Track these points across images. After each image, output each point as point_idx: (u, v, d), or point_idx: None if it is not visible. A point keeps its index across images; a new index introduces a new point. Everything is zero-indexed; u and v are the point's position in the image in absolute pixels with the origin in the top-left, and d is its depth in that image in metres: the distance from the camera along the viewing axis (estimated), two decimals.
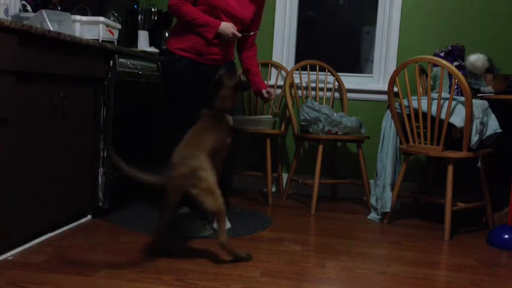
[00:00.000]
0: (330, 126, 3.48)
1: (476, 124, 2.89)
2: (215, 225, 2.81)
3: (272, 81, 4.05)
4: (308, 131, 3.55)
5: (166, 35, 3.79)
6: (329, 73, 3.96)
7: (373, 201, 3.32)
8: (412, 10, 3.89)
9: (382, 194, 3.23)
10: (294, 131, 3.76)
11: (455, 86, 3.05)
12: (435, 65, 3.18)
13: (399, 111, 3.14)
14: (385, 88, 3.77)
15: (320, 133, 3.48)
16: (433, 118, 2.96)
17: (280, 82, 3.98)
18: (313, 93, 3.95)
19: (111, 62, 2.90)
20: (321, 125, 3.47)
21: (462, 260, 2.55)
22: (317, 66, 3.94)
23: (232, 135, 2.66)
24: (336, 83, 3.95)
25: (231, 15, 2.82)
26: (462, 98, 2.92)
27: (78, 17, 2.88)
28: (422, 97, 3.06)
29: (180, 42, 2.82)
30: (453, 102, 2.94)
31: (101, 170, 2.92)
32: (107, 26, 2.99)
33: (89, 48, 2.71)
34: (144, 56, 3.32)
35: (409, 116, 3.08)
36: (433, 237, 2.92)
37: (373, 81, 4.03)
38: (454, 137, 2.97)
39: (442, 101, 2.93)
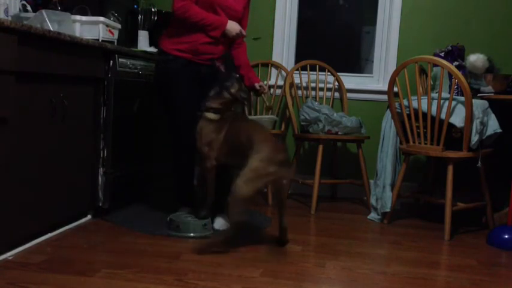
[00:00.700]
0: (330, 126, 3.48)
1: (476, 124, 2.89)
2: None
3: (272, 81, 4.05)
4: (308, 131, 3.55)
5: None
6: (329, 73, 3.96)
7: (373, 201, 3.32)
8: (412, 10, 3.89)
9: (382, 194, 3.23)
10: (294, 131, 3.76)
11: (455, 86, 3.05)
12: (435, 65, 3.18)
13: (399, 111, 3.14)
14: (385, 88, 3.76)
15: (320, 133, 3.48)
16: (433, 118, 2.96)
17: (280, 82, 3.98)
18: (313, 93, 3.95)
19: (111, 62, 2.90)
20: (321, 125, 3.47)
21: (462, 260, 2.55)
22: (317, 66, 3.94)
23: None
24: (336, 83, 3.95)
25: (226, 7, 2.83)
26: (462, 98, 2.92)
27: (78, 17, 2.88)
28: (422, 97, 3.06)
29: (177, 43, 2.81)
30: (453, 102, 2.94)
31: (101, 170, 2.92)
32: (107, 26, 2.99)
33: (89, 48, 2.71)
34: (144, 56, 3.32)
35: (409, 116, 3.08)
36: (433, 237, 2.92)
37: (373, 81, 4.03)
38: (454, 137, 2.97)
39: (442, 101, 2.93)
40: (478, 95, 3.20)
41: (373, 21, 4.05)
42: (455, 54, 3.49)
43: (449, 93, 2.95)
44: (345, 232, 2.97)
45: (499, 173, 3.24)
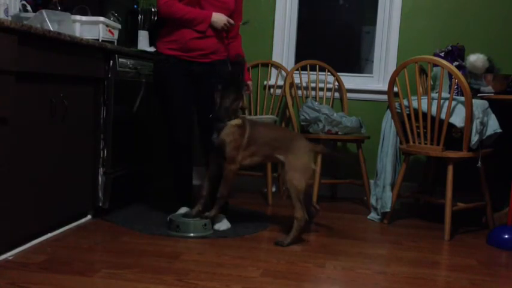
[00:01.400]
0: (330, 126, 3.48)
1: (476, 124, 2.89)
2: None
3: (272, 81, 4.05)
4: (308, 131, 3.55)
5: None
6: (329, 73, 3.96)
7: (373, 201, 3.32)
8: (412, 10, 3.89)
9: (382, 194, 3.23)
10: (294, 131, 3.76)
11: (455, 86, 3.05)
12: (435, 65, 3.18)
13: (399, 111, 3.14)
14: (385, 88, 3.76)
15: (320, 133, 3.48)
16: (433, 118, 2.96)
17: (280, 82, 3.98)
18: (313, 93, 3.95)
19: (111, 62, 2.90)
20: (321, 125, 3.47)
21: (462, 260, 2.55)
22: (317, 66, 3.94)
23: None
24: (336, 83, 3.95)
25: (215, 1, 2.80)
26: (462, 98, 2.92)
27: (78, 17, 2.88)
28: (422, 97, 3.06)
29: (167, 42, 2.83)
30: (453, 102, 2.94)
31: (101, 170, 2.92)
32: (107, 26, 2.99)
33: (89, 48, 2.71)
34: (144, 56, 3.32)
35: (409, 116, 3.08)
36: (433, 237, 2.92)
37: (373, 81, 4.03)
38: (454, 137, 2.97)
39: (442, 101, 2.93)
40: (478, 95, 3.20)
41: (373, 21, 4.05)
42: (455, 54, 3.49)
43: (449, 93, 2.95)
44: (345, 232, 2.97)
45: (499, 173, 3.24)
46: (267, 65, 4.05)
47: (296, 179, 2.61)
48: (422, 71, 3.61)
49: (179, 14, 2.75)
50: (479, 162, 2.94)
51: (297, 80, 3.91)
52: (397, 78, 3.10)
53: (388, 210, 3.18)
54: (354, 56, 4.61)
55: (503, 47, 3.78)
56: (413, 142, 3.08)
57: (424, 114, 2.99)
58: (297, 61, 4.07)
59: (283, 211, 3.37)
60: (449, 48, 3.52)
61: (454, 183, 2.92)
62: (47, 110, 2.42)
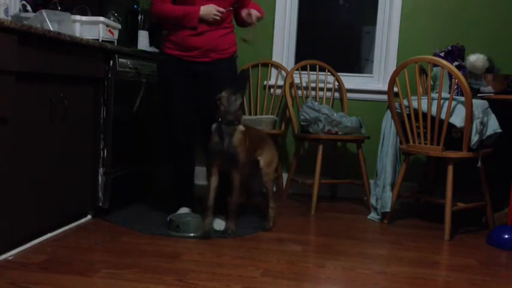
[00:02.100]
0: (330, 126, 3.48)
1: (476, 124, 2.89)
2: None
3: (272, 81, 4.05)
4: (308, 131, 3.55)
5: None
6: (329, 73, 3.96)
7: (373, 201, 3.32)
8: (412, 10, 3.89)
9: (382, 194, 3.23)
10: (294, 131, 3.76)
11: (455, 86, 3.05)
12: (435, 65, 3.18)
13: (399, 111, 3.14)
14: (385, 88, 3.77)
15: (320, 133, 3.48)
16: (433, 118, 2.96)
17: (280, 82, 3.98)
18: (313, 93, 3.95)
19: (111, 62, 2.90)
20: (321, 125, 3.47)
21: (462, 260, 2.55)
22: (317, 66, 3.94)
23: None
24: (336, 83, 3.96)
25: None
26: (462, 98, 2.92)
27: (78, 17, 2.88)
28: (422, 97, 3.06)
29: (168, 40, 2.84)
30: (453, 102, 2.94)
31: (101, 170, 2.92)
32: (107, 26, 2.99)
33: (89, 48, 2.71)
34: (144, 56, 3.32)
35: (409, 116, 3.08)
36: (433, 237, 2.92)
37: (373, 81, 4.03)
38: (454, 137, 2.97)
39: (442, 101, 2.93)
40: (478, 95, 3.20)
41: (373, 21, 4.05)
42: (455, 54, 3.49)
43: (449, 93, 2.95)
44: (345, 232, 2.97)
45: (499, 173, 3.24)
46: (267, 65, 4.05)
47: (271, 174, 2.95)
48: (422, 71, 3.61)
49: (169, 14, 2.75)
50: (479, 162, 2.94)
51: (297, 80, 3.91)
52: (397, 78, 3.10)
53: (388, 210, 3.18)
54: (354, 56, 4.61)
55: (503, 47, 3.78)
56: (413, 142, 3.08)
57: (424, 114, 2.99)
58: (297, 61, 4.07)
59: (284, 211, 3.37)
60: (449, 48, 3.52)
61: (454, 183, 2.92)
62: (47, 110, 2.42)
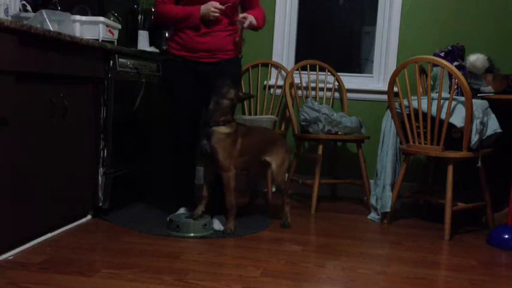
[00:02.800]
0: (330, 126, 3.48)
1: (476, 124, 2.89)
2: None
3: (272, 81, 4.05)
4: (308, 131, 3.55)
5: (167, 35, 3.79)
6: (329, 73, 3.96)
7: (373, 201, 3.32)
8: (412, 10, 3.89)
9: (382, 194, 3.23)
10: (294, 131, 3.76)
11: (455, 86, 3.05)
12: (435, 65, 3.18)
13: (399, 111, 3.14)
14: (385, 88, 3.77)
15: (320, 133, 3.48)
16: (433, 118, 2.96)
17: (280, 82, 3.98)
18: (313, 93, 3.95)
19: (111, 62, 2.90)
20: (321, 125, 3.47)
21: (462, 260, 2.55)
22: (317, 66, 3.94)
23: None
24: (336, 83, 3.96)
25: None
26: (462, 98, 2.92)
27: (78, 17, 2.88)
28: (422, 97, 3.06)
29: (174, 41, 2.84)
30: (453, 102, 2.94)
31: (101, 170, 2.92)
32: (107, 26, 2.99)
33: (89, 48, 2.71)
34: (144, 56, 3.33)
35: (409, 116, 3.08)
36: (433, 237, 2.92)
37: (373, 81, 4.03)
38: (454, 137, 2.97)
39: (442, 101, 2.93)
40: (478, 95, 3.20)
41: (373, 21, 4.05)
42: (455, 54, 3.49)
43: (449, 93, 2.95)
44: (345, 232, 2.97)
45: (499, 173, 3.24)
46: (267, 65, 4.05)
47: (283, 174, 3.00)
48: (422, 71, 3.61)
49: (172, 14, 2.75)
50: (479, 162, 2.94)
51: (297, 80, 3.91)
52: (397, 78, 3.10)
53: (388, 210, 3.18)
54: (354, 56, 4.61)
55: (503, 47, 3.78)
56: (413, 142, 3.08)
57: (424, 114, 2.99)
58: (297, 61, 4.07)
59: None
60: (449, 48, 3.52)
61: (454, 183, 2.92)
62: (47, 110, 2.42)
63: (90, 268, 2.17)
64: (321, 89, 3.96)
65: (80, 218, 2.87)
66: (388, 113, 3.27)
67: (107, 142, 2.92)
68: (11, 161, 2.19)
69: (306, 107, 3.57)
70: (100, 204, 2.95)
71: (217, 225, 2.82)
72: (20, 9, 2.96)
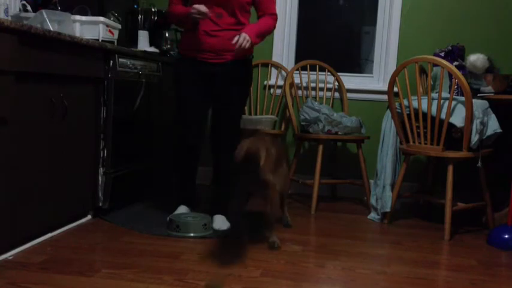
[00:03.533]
0: (330, 126, 3.48)
1: (476, 124, 2.89)
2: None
3: (272, 81, 4.05)
4: (308, 131, 3.55)
5: (167, 35, 3.79)
6: (329, 73, 3.96)
7: (373, 201, 3.32)
8: (412, 10, 3.89)
9: (382, 194, 3.23)
10: (294, 131, 3.76)
11: (455, 86, 3.05)
12: (435, 65, 3.18)
13: (399, 111, 3.14)
14: (385, 88, 3.77)
15: (320, 133, 3.48)
16: (433, 118, 2.96)
17: (280, 82, 3.98)
18: (313, 93, 3.95)
19: (111, 62, 2.90)
20: (321, 125, 3.47)
21: (462, 260, 2.55)
22: (317, 66, 3.94)
23: None
24: (336, 83, 3.96)
25: None
26: (462, 98, 2.92)
27: (78, 17, 2.88)
28: (422, 97, 3.06)
29: (182, 42, 2.86)
30: (453, 102, 2.94)
31: (101, 170, 2.92)
32: (107, 26, 2.99)
33: (89, 48, 2.71)
34: (144, 56, 3.32)
35: (409, 116, 3.08)
36: (433, 237, 2.92)
37: (373, 81, 4.03)
38: (454, 137, 2.97)
39: (442, 101, 2.93)
40: (478, 95, 3.20)
41: (373, 21, 4.05)
42: (455, 54, 3.49)
43: (449, 93, 2.95)
44: (345, 232, 2.97)
45: (499, 173, 3.24)
46: (267, 65, 4.05)
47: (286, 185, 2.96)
48: (423, 71, 3.61)
49: (175, 15, 2.79)
50: (479, 162, 2.94)
51: (297, 80, 3.92)
52: (397, 78, 3.10)
53: (388, 210, 3.19)
54: (354, 56, 4.61)
55: (503, 47, 3.78)
56: (413, 142, 3.08)
57: (424, 114, 2.99)
58: (297, 61, 4.07)
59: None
60: (449, 48, 3.52)
61: (454, 183, 2.92)
62: (47, 110, 2.42)
63: (90, 268, 2.17)
64: (321, 89, 3.96)
65: (80, 218, 2.87)
66: (388, 113, 3.27)
67: (107, 142, 2.92)
68: (10, 160, 2.19)
69: (306, 107, 3.57)
70: (100, 204, 2.95)
71: (217, 224, 2.82)
72: (20, 9, 2.96)
